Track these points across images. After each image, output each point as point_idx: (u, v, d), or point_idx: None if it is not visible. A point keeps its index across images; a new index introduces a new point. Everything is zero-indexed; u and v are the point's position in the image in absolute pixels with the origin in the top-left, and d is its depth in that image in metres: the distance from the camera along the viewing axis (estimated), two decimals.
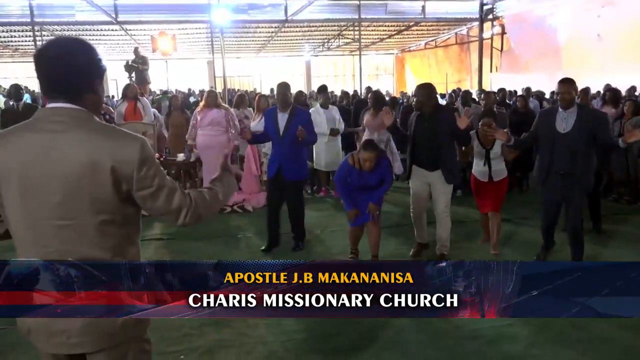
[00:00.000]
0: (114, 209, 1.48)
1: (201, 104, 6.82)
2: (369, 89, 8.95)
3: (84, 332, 1.50)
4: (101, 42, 21.56)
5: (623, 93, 8.91)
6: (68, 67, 1.47)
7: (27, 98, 13.64)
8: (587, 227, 5.03)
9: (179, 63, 26.66)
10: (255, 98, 7.54)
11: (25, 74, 24.85)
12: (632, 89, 9.83)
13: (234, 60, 25.09)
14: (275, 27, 20.10)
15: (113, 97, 17.59)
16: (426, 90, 4.50)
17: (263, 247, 4.95)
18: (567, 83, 4.06)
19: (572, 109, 4.04)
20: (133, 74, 10.80)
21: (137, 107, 6.97)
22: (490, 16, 18.18)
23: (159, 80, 23.71)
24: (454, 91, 14.67)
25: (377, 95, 6.55)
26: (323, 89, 7.32)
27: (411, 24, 20.61)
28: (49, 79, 1.49)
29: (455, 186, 6.98)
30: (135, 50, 11.06)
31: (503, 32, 19.24)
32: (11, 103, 6.24)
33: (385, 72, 29.09)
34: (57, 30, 19.44)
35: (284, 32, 21.03)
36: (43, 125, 1.46)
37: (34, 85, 19.96)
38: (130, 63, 10.75)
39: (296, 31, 21.43)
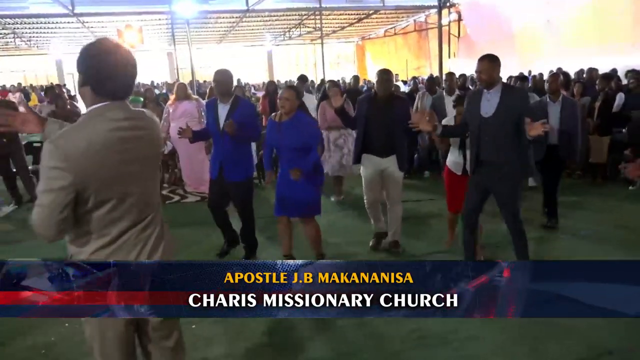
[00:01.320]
0: None
1: (172, 97, 6.94)
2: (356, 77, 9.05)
3: None
4: (57, 34, 21.02)
5: (572, 77, 9.51)
6: None
7: None
8: (537, 221, 4.99)
9: (136, 55, 26.18)
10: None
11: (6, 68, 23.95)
12: (580, 72, 10.47)
13: (195, 51, 24.82)
14: (237, 17, 20.07)
15: (69, 90, 17.18)
16: (386, 75, 4.36)
17: (218, 253, 4.46)
18: (483, 61, 3.58)
19: (495, 90, 3.59)
20: None
21: None
22: (447, 3, 18.71)
23: None
24: (414, 78, 15.11)
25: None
26: (303, 78, 7.55)
27: (371, 12, 20.98)
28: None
29: (425, 168, 7.49)
30: None
31: (459, 19, 19.86)
32: None
33: (346, 61, 29.42)
34: (9, 23, 18.82)
35: (245, 22, 21.03)
36: None
37: None
38: None
39: (257, 21, 21.44)
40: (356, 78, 9.11)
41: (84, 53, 1.69)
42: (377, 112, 4.23)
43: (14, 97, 12.57)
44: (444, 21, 19.38)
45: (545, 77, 12.02)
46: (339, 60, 29.45)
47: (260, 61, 27.70)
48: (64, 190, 1.59)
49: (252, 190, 4.38)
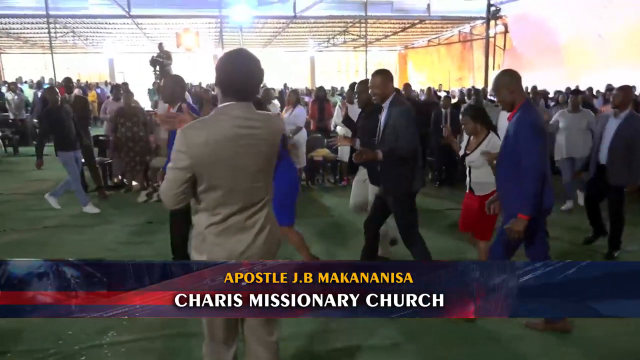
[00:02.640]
0: None
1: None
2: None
3: None
4: (111, 34, 21.96)
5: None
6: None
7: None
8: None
9: (184, 57, 27.02)
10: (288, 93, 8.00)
11: (33, 65, 25.22)
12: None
13: None
14: (283, 23, 20.52)
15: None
16: (361, 86, 4.20)
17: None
18: (375, 76, 3.62)
19: (386, 104, 3.60)
20: (157, 68, 11.23)
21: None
22: (496, 15, 18.63)
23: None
24: (461, 90, 15.16)
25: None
26: (352, 86, 7.80)
27: (416, 21, 21.09)
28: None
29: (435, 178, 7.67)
30: (160, 46, 11.48)
31: (506, 31, 19.75)
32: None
33: (388, 69, 29.49)
34: (69, 23, 19.80)
35: (291, 27, 21.44)
36: None
37: (37, 75, 20.36)
38: (155, 57, 11.18)
39: (303, 27, 21.83)
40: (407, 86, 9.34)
41: (219, 60, 1.98)
42: (362, 125, 4.22)
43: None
44: (490, 33, 19.32)
45: (595, 91, 11.95)
46: (380, 68, 29.56)
47: (303, 67, 28.10)
48: (183, 170, 1.89)
49: None
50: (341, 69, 29.75)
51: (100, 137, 7.31)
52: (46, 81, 16.79)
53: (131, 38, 22.94)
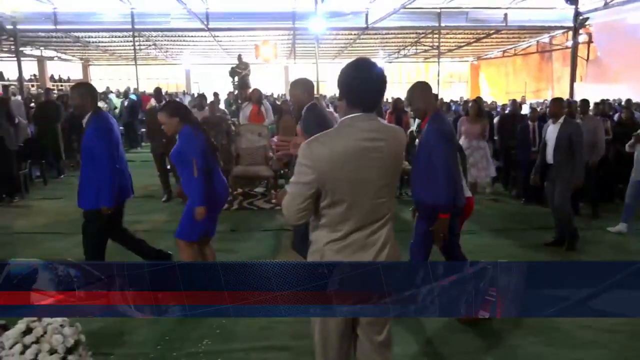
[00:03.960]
0: None
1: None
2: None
3: None
4: (189, 47, 22.95)
5: None
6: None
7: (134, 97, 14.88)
8: None
9: (257, 67, 27.81)
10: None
11: (117, 76, 26.85)
12: None
13: (311, 66, 25.79)
14: (355, 34, 20.58)
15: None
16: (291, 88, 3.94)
17: None
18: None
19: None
20: (236, 78, 11.58)
21: (260, 110, 7.63)
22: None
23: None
24: (538, 103, 14.48)
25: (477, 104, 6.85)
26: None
27: (491, 31, 20.47)
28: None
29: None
30: (239, 57, 11.84)
31: (590, 41, 18.71)
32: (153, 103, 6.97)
33: (459, 80, 28.86)
34: (152, 36, 20.90)
35: (362, 38, 21.47)
36: None
37: (121, 85, 21.60)
38: (234, 68, 11.53)
39: (374, 38, 21.81)
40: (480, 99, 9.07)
41: (341, 71, 1.91)
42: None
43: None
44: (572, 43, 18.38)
45: None
46: (451, 79, 28.98)
47: None
48: (306, 184, 1.84)
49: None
50: (410, 79, 29.41)
51: None
52: (131, 91, 17.75)
53: (207, 50, 23.87)
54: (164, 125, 3.67)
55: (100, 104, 12.32)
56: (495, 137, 8.14)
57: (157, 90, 7.20)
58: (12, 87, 15.46)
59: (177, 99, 18.26)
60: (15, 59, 21.42)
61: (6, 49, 20.27)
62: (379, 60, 26.31)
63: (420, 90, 3.39)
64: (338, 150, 1.83)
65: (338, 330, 2.00)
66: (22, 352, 2.64)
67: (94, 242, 3.88)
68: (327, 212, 1.89)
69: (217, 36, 20.59)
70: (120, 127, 12.15)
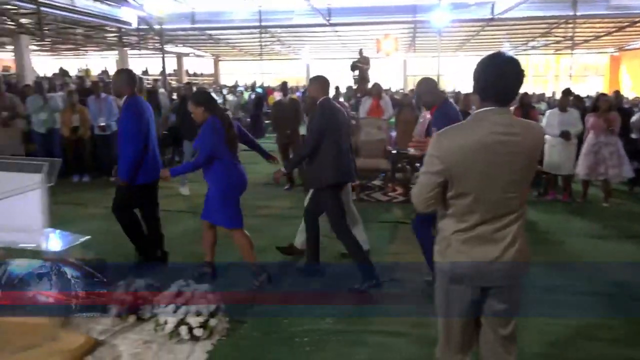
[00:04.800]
0: None
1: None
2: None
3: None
4: (310, 42, 23.71)
5: None
6: None
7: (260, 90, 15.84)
8: None
9: (376, 62, 27.88)
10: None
11: (244, 71, 28.59)
12: None
13: (430, 59, 25.28)
14: (478, 26, 19.76)
15: None
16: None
17: None
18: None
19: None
20: (356, 73, 11.81)
21: (380, 104, 7.78)
22: None
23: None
24: None
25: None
26: (566, 92, 7.25)
27: (636, 19, 18.43)
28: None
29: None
30: (360, 51, 12.06)
31: None
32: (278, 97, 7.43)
33: (596, 73, 26.38)
34: (277, 32, 21.93)
35: (486, 30, 20.54)
36: None
37: (247, 79, 22.94)
38: (355, 63, 11.77)
39: (500, 29, 20.74)
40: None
41: (477, 65, 1.94)
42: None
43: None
44: None
45: None
46: (586, 72, 26.59)
47: None
48: (435, 174, 1.90)
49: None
50: (539, 73, 27.53)
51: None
52: (257, 85, 18.87)
53: (327, 45, 24.44)
54: (192, 114, 3.91)
55: (230, 96, 13.46)
56: (633, 136, 7.42)
57: (284, 84, 7.63)
58: (156, 81, 17.23)
59: (298, 94, 19.00)
60: (158, 55, 23.78)
61: (151, 47, 22.58)
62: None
63: (426, 84, 3.93)
64: (467, 143, 1.86)
65: (461, 319, 2.05)
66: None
67: (121, 207, 4.18)
68: (454, 202, 1.94)
69: (338, 31, 21.01)
70: (247, 119, 13.06)
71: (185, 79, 23.15)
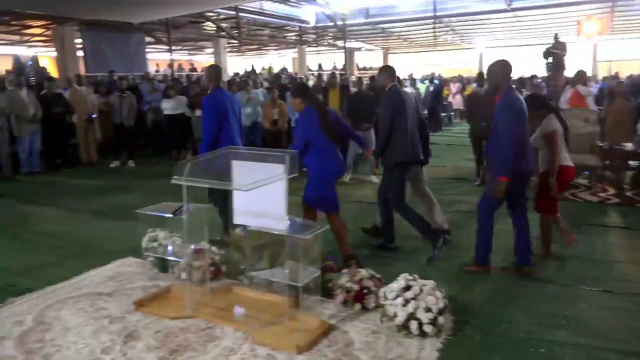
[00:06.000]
0: None
1: None
2: None
3: None
4: (484, 30, 22.46)
5: None
6: None
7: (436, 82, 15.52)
8: None
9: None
10: None
11: (413, 63, 28.32)
12: None
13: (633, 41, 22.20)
14: None
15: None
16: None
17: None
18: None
19: None
20: (549, 59, 10.83)
21: (581, 94, 7.00)
22: None
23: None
24: None
25: None
26: None
27: None
28: None
29: None
30: (555, 37, 11.02)
31: None
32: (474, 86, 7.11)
33: None
34: (451, 22, 21.21)
35: None
36: None
37: (415, 72, 22.53)
38: (549, 49, 10.80)
39: None
40: None
41: None
42: None
43: None
44: None
45: None
46: None
47: None
48: None
49: None
50: None
51: None
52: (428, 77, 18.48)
53: (504, 32, 22.91)
54: (292, 104, 4.34)
55: (409, 89, 13.29)
56: None
57: (480, 74, 7.27)
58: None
59: (473, 85, 18.20)
60: (331, 52, 24.76)
61: (325, 43, 23.59)
62: None
63: (501, 66, 3.82)
64: None
65: None
66: (404, 305, 3.04)
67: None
68: None
69: (519, 16, 19.53)
70: (424, 112, 12.82)
71: (356, 73, 23.74)
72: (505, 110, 3.69)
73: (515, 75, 13.04)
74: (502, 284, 3.92)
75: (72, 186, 7.93)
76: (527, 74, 13.78)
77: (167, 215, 3.39)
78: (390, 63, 29.49)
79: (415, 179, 4.83)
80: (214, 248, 3.92)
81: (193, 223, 3.36)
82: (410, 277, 3.17)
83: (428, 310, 2.99)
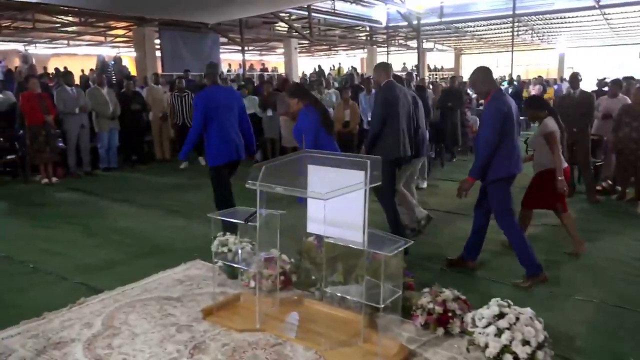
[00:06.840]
0: None
1: None
2: None
3: None
4: (567, 29, 21.10)
5: None
6: None
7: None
8: None
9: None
10: None
11: (486, 64, 27.15)
12: None
13: None
14: None
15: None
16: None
17: None
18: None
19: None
20: None
21: None
22: None
23: None
24: None
25: None
26: None
27: None
28: None
29: None
30: None
31: None
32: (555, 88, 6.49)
33: None
34: (531, 20, 20.08)
35: None
36: None
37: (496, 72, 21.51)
38: None
39: None
40: None
41: None
42: None
43: None
44: None
45: None
46: None
47: None
48: None
49: None
50: None
51: (592, 137, 6.78)
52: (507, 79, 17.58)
53: (590, 31, 21.45)
54: (289, 105, 4.41)
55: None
56: None
57: (574, 75, 6.59)
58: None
59: (555, 87, 17.07)
60: (401, 52, 24.25)
61: (396, 44, 23.09)
62: None
63: (482, 74, 3.86)
64: None
65: None
66: (497, 335, 2.68)
67: (215, 191, 4.77)
68: None
69: (608, 14, 18.17)
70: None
71: (427, 74, 23.07)
72: (489, 113, 3.73)
73: (607, 76, 12.03)
74: (601, 311, 3.44)
75: (146, 183, 8.09)
76: (613, 77, 12.68)
77: (239, 221, 3.21)
78: (462, 64, 28.52)
79: (405, 174, 5.00)
80: (284, 256, 3.72)
81: (265, 230, 3.17)
82: (504, 303, 2.80)
83: (526, 343, 2.62)
